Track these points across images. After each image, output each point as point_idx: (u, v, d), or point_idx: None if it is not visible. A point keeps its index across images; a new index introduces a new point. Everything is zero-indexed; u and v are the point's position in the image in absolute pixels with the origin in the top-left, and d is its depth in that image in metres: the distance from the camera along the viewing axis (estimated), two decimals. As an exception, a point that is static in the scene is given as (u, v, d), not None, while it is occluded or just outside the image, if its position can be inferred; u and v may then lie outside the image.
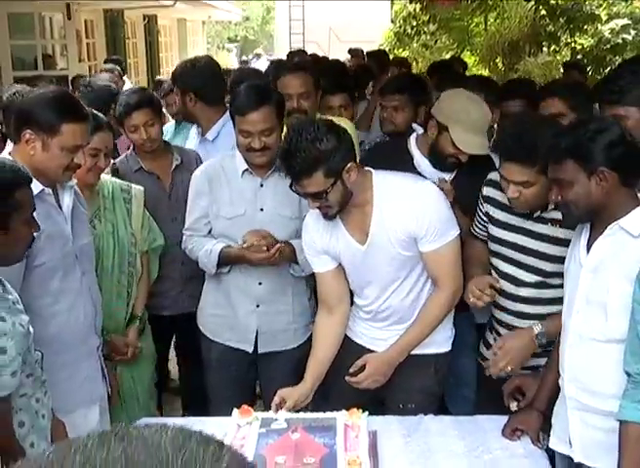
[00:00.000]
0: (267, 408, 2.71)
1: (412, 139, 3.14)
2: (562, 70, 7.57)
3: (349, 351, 2.80)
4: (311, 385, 2.69)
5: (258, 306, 3.05)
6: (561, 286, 2.54)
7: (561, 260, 2.51)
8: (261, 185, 3.00)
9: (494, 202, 2.76)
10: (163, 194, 3.45)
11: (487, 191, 2.80)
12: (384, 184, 2.55)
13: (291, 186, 2.51)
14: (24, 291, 2.31)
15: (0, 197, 1.96)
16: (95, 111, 2.88)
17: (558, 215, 2.50)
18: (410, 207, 2.51)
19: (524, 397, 2.57)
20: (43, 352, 2.17)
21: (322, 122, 2.49)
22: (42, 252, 2.39)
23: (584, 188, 2.13)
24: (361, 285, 2.76)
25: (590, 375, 2.26)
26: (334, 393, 2.79)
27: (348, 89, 4.09)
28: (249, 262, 2.92)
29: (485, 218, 2.82)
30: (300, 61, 5.38)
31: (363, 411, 2.50)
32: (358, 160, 3.46)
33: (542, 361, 2.63)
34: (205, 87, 3.66)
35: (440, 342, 2.80)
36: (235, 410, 2.54)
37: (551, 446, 2.41)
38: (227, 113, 3.34)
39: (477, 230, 2.89)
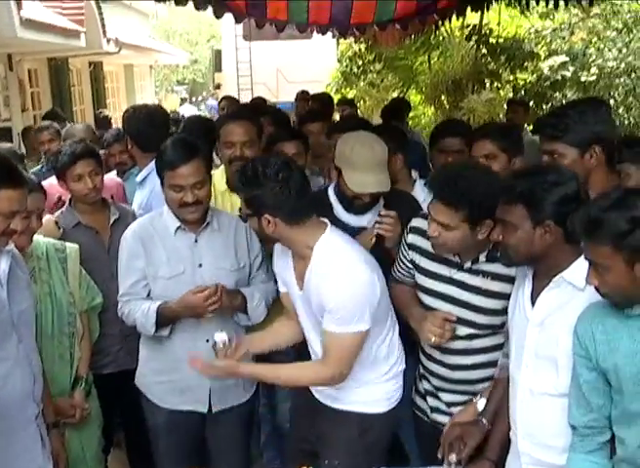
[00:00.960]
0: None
1: (330, 189, 3.14)
2: (506, 107, 7.70)
3: (303, 401, 2.77)
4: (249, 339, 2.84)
5: None
6: (491, 335, 2.56)
7: (495, 313, 2.51)
8: (196, 241, 2.96)
9: (419, 250, 2.72)
10: (102, 249, 3.40)
11: (412, 239, 2.76)
12: (326, 247, 2.50)
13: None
14: None
15: None
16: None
17: (490, 268, 2.51)
18: (331, 279, 2.44)
19: (464, 447, 2.51)
20: None
21: (284, 164, 2.48)
22: None
23: (527, 236, 2.13)
24: (305, 330, 2.73)
25: (545, 430, 2.23)
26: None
27: (302, 136, 4.11)
28: (193, 312, 2.84)
29: (410, 265, 2.77)
30: (241, 110, 5.41)
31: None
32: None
33: (479, 387, 2.63)
34: (139, 133, 3.82)
35: (368, 403, 2.70)
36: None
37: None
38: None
39: (399, 275, 2.85)
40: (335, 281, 2.42)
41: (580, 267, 2.09)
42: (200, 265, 2.95)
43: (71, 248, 3.17)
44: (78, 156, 3.38)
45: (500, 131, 3.20)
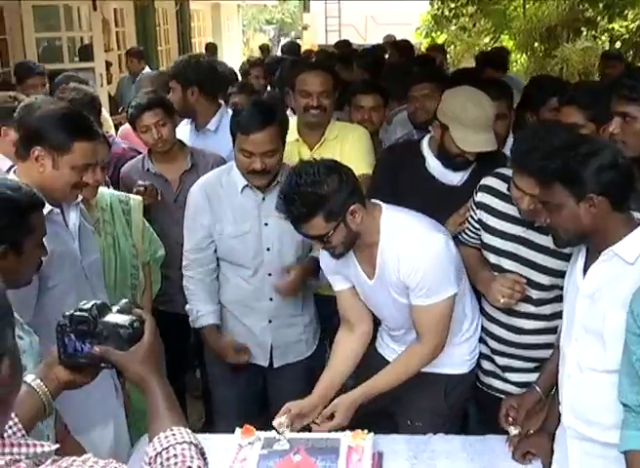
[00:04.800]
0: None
1: (424, 141, 3.07)
2: (601, 61, 7.25)
3: (376, 365, 2.71)
4: (318, 397, 2.60)
5: (270, 322, 3.04)
6: (558, 299, 2.47)
7: (561, 275, 2.42)
8: (263, 199, 2.93)
9: (488, 209, 2.65)
10: (169, 197, 3.43)
11: (481, 197, 2.68)
12: (391, 226, 2.44)
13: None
14: (38, 314, 2.27)
15: (16, 220, 1.94)
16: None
17: None
18: (408, 256, 2.40)
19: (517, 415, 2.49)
20: None
21: (323, 163, 2.39)
22: (54, 273, 2.35)
23: (573, 213, 2.05)
24: (379, 314, 2.71)
25: (588, 406, 2.19)
26: None
27: (382, 89, 4.04)
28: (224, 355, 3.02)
29: (477, 226, 2.71)
30: (321, 61, 5.37)
31: (369, 432, 2.41)
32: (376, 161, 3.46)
33: (534, 377, 2.57)
34: (206, 80, 3.82)
35: (454, 364, 2.70)
36: (238, 430, 2.49)
37: (552, 473, 2.35)
38: (223, 106, 3.56)
39: (467, 238, 2.79)
40: (412, 257, 2.38)
41: (632, 241, 2.03)
42: (266, 224, 2.92)
43: (135, 199, 3.17)
44: (144, 107, 3.41)
45: (590, 96, 2.94)
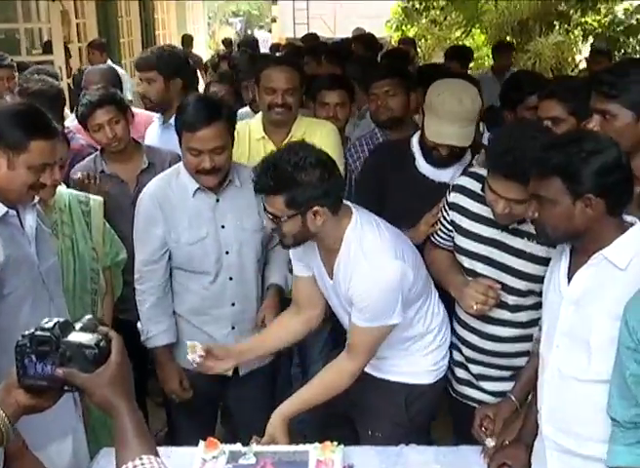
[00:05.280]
0: (236, 431, 2.61)
1: (414, 139, 3.00)
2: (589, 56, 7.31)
3: None
4: (236, 350, 2.66)
5: (233, 328, 2.92)
6: (536, 307, 2.41)
7: (538, 280, 2.36)
8: (217, 201, 2.82)
9: (462, 210, 2.57)
10: (127, 199, 3.25)
11: (455, 198, 2.60)
12: (354, 241, 2.37)
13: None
14: None
15: None
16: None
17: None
18: (360, 281, 2.34)
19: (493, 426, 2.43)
20: None
21: (317, 154, 2.31)
22: (10, 279, 2.23)
23: (567, 211, 1.96)
24: (337, 314, 2.64)
25: (569, 416, 2.11)
26: None
27: (347, 85, 3.93)
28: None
29: (450, 227, 2.63)
30: (286, 56, 5.31)
31: (338, 444, 2.34)
32: (360, 162, 3.47)
33: (509, 385, 2.51)
34: (188, 72, 3.83)
35: (417, 373, 2.62)
36: (201, 443, 2.38)
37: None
38: None
39: (440, 240, 2.71)
40: (364, 280, 2.32)
41: (622, 245, 1.95)
42: (223, 226, 2.81)
43: (95, 200, 3.05)
44: (96, 104, 3.26)
45: (570, 89, 2.89)
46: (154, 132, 3.77)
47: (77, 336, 1.40)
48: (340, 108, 3.80)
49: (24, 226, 2.36)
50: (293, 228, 2.31)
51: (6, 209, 2.24)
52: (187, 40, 11.03)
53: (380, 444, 2.52)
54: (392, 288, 2.33)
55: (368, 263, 2.32)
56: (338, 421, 2.72)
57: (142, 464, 1.31)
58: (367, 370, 2.58)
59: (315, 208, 2.27)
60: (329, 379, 2.51)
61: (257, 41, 10.22)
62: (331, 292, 2.53)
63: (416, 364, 2.60)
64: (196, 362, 2.53)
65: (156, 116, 3.94)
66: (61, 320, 1.42)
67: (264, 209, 2.36)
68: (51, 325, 1.39)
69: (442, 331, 2.64)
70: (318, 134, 3.30)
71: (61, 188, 2.95)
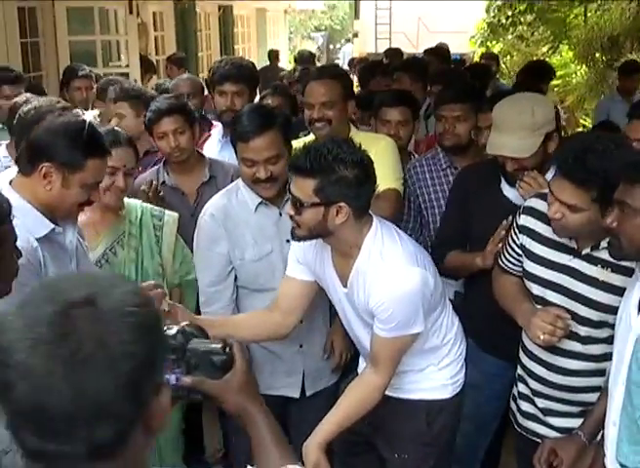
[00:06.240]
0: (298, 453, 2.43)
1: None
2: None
3: None
4: (208, 322, 2.27)
5: (301, 346, 2.85)
6: (610, 340, 2.23)
7: (612, 310, 2.20)
8: (280, 214, 2.73)
9: (532, 234, 2.44)
10: (186, 211, 3.18)
11: (524, 220, 2.47)
12: (374, 248, 2.28)
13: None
14: None
15: None
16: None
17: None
18: (380, 291, 2.24)
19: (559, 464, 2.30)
20: None
21: (362, 157, 2.23)
22: None
23: None
24: (350, 333, 2.56)
25: (636, 460, 1.92)
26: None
27: (411, 101, 3.76)
28: None
29: (519, 251, 2.50)
30: (328, 67, 5.08)
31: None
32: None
33: (578, 422, 2.34)
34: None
35: (433, 389, 2.56)
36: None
37: None
38: None
39: (508, 264, 2.58)
40: (385, 287, 2.24)
41: None
42: (288, 241, 2.67)
43: (170, 216, 2.98)
44: (163, 112, 3.21)
45: None
46: (213, 148, 3.71)
47: (200, 344, 1.36)
48: (402, 126, 3.63)
49: (65, 243, 2.33)
50: (312, 219, 2.22)
51: (53, 226, 2.22)
52: (273, 54, 10.98)
53: (408, 466, 2.52)
54: (414, 294, 2.27)
55: (388, 271, 2.25)
56: (361, 449, 2.68)
57: None
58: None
59: (341, 204, 2.19)
60: (359, 397, 2.40)
61: (313, 56, 10.13)
62: (344, 300, 2.43)
63: (431, 378, 2.56)
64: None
65: (215, 129, 3.89)
66: (187, 328, 1.37)
67: (289, 191, 2.28)
68: (173, 332, 1.33)
69: (457, 345, 2.60)
70: (374, 149, 3.09)
71: (136, 201, 2.94)
